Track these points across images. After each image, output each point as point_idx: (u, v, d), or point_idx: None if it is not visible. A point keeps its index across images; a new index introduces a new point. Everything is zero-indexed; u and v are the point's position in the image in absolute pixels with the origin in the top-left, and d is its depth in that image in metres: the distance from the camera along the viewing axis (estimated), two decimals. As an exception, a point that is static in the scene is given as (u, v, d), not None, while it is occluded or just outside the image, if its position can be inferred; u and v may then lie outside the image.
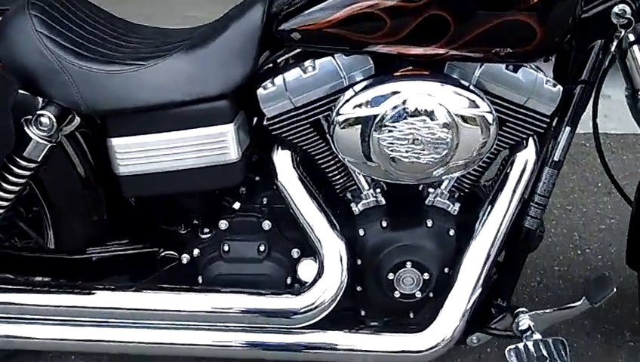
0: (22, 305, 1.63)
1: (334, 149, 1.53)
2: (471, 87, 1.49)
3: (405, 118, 1.47)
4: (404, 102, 1.46)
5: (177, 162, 1.57)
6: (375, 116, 1.47)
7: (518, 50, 1.45)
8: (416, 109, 1.46)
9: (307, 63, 1.52)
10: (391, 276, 1.61)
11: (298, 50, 1.56)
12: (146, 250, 1.72)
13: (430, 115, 1.46)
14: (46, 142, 1.55)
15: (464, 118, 1.47)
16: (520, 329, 1.62)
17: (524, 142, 1.58)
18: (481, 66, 1.51)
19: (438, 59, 1.48)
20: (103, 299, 1.62)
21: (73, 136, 1.65)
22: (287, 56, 1.59)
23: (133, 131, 1.55)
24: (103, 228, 1.72)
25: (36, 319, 1.63)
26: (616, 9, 1.48)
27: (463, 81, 1.50)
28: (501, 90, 1.52)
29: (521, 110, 1.54)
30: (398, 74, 1.49)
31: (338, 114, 1.49)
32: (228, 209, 1.69)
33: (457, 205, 1.64)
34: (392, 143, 1.48)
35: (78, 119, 1.57)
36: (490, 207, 1.61)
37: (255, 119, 1.64)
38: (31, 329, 1.63)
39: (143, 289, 1.64)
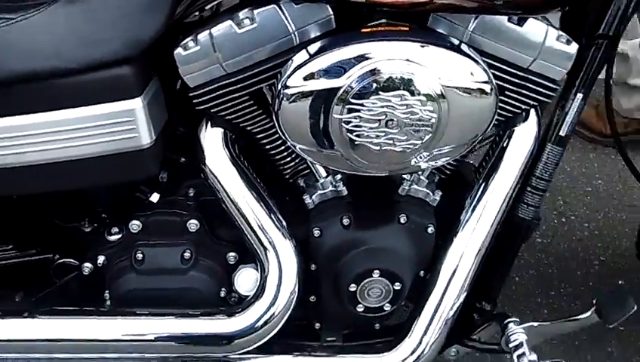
0: None
1: (280, 133, 1.15)
2: (463, 47, 1.12)
3: (376, 93, 1.09)
4: (374, 71, 1.08)
5: (65, 151, 1.16)
6: (335, 90, 1.09)
7: None
8: (391, 80, 1.08)
9: (242, 14, 1.12)
10: (353, 287, 1.27)
11: None
12: (36, 257, 1.33)
13: (410, 87, 1.09)
14: None
15: (455, 91, 1.10)
16: (510, 344, 1.31)
17: (524, 113, 1.24)
18: (475, 18, 1.13)
19: (418, 10, 1.09)
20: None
21: None
22: (217, 1, 1.18)
23: (2, 111, 1.14)
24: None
25: None
26: None
27: (452, 39, 1.12)
28: (501, 49, 1.15)
29: (525, 75, 1.18)
30: (367, 30, 1.10)
31: (285, 86, 1.10)
32: (143, 202, 1.30)
33: (438, 193, 1.29)
34: (357, 126, 1.11)
35: None
36: (480, 193, 1.26)
37: (179, 82, 1.22)
38: None
39: (37, 315, 1.24)
